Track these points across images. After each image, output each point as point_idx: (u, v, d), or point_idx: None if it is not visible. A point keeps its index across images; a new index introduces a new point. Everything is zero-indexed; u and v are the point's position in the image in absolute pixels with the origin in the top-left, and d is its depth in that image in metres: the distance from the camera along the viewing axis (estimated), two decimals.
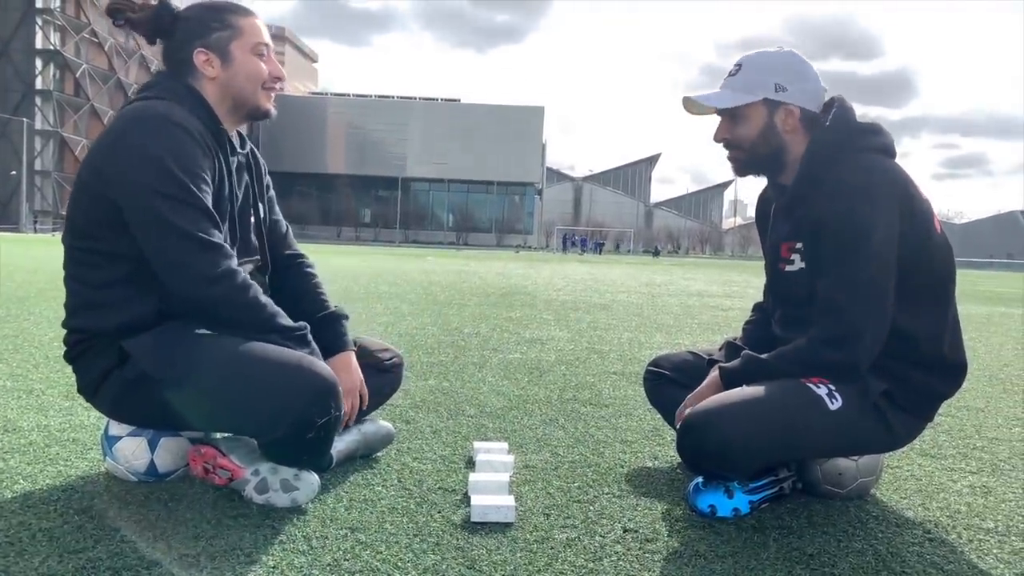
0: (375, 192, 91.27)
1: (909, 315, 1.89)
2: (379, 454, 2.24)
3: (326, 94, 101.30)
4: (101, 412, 1.98)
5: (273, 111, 2.01)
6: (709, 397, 1.92)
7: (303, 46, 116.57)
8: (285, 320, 1.90)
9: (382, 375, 2.24)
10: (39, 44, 60.10)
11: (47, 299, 6.45)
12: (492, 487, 1.87)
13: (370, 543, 1.62)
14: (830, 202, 1.85)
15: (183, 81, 1.93)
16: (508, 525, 1.74)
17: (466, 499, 1.88)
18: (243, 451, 1.86)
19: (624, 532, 1.75)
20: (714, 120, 2.05)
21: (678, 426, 1.93)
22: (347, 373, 2.02)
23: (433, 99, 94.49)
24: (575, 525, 1.77)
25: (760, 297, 2.29)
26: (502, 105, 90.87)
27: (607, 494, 2.00)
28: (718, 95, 1.99)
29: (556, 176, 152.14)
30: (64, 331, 1.93)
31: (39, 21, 59.51)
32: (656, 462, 2.33)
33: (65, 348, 1.94)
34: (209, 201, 1.83)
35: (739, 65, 2.00)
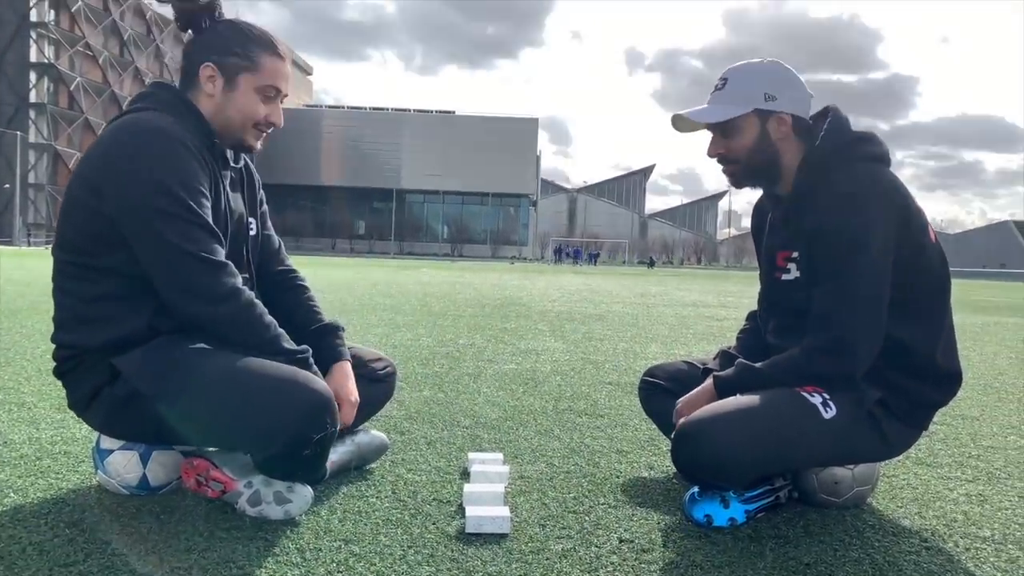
0: (370, 204, 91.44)
1: (904, 324, 1.89)
2: (373, 465, 2.23)
3: (321, 106, 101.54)
4: (92, 427, 1.96)
5: (257, 147, 1.99)
6: (703, 405, 1.91)
7: (298, 59, 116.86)
8: (288, 343, 1.89)
9: (375, 384, 2.23)
10: (33, 57, 60.19)
11: (39, 312, 6.43)
12: (487, 498, 1.86)
13: (364, 555, 1.61)
14: (825, 211, 1.86)
15: (181, 93, 1.92)
16: (503, 536, 1.73)
17: (461, 510, 1.87)
18: (236, 463, 1.85)
19: (620, 542, 1.74)
20: (706, 135, 2.04)
21: (673, 435, 1.92)
22: (343, 383, 2.01)
23: (427, 111, 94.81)
24: (571, 536, 1.76)
25: (755, 306, 2.29)
26: (496, 117, 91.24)
27: (603, 504, 2.00)
28: (708, 110, 1.97)
29: (551, 187, 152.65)
30: (53, 346, 1.92)
31: (33, 34, 59.61)
32: (652, 472, 2.32)
33: (55, 363, 1.92)
34: (209, 216, 1.82)
35: (725, 79, 1.98)
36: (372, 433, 2.23)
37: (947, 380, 1.98)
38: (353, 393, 2.01)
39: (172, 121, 1.82)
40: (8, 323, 5.66)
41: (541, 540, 1.73)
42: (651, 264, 76.43)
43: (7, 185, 57.20)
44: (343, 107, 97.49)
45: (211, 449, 1.90)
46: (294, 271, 2.24)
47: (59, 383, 1.94)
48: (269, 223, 2.22)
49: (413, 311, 8.09)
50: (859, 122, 2.24)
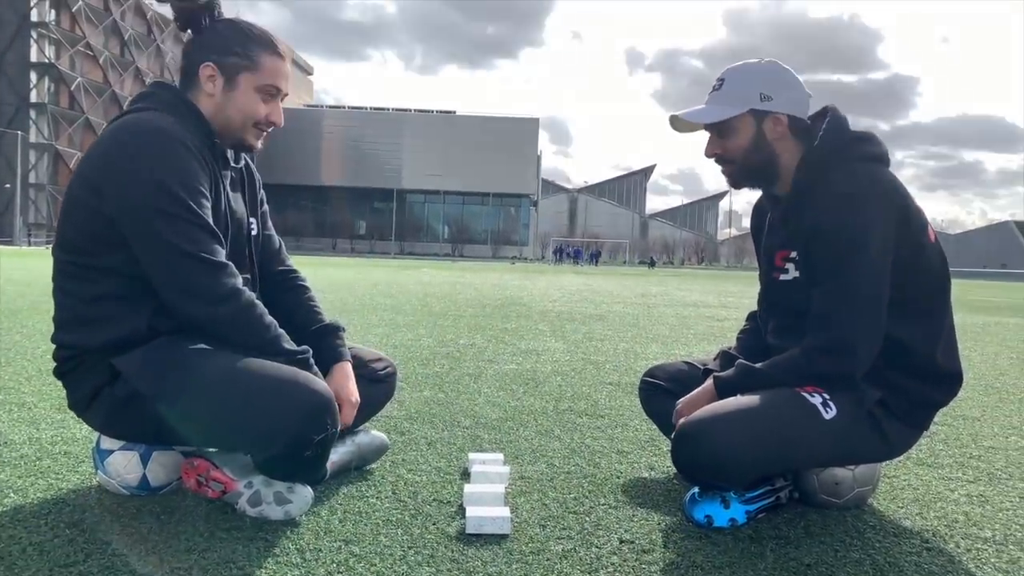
0: (370, 204, 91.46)
1: (904, 324, 1.89)
2: (373, 466, 2.23)
3: (321, 106, 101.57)
4: (92, 428, 1.96)
5: (258, 147, 1.98)
6: (703, 405, 1.91)
7: (298, 58, 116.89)
8: (289, 344, 1.89)
9: (376, 385, 2.22)
10: (34, 57, 60.23)
11: (40, 312, 6.43)
12: (487, 498, 1.85)
13: (364, 555, 1.61)
14: (824, 211, 1.86)
15: (181, 93, 1.92)
16: (504, 537, 1.73)
17: (461, 511, 1.87)
18: (236, 464, 1.85)
19: (620, 543, 1.73)
20: (704, 135, 2.04)
21: (673, 435, 1.92)
22: (343, 383, 2.01)
23: (428, 111, 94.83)
24: (571, 536, 1.76)
25: (755, 307, 2.29)
26: (497, 117, 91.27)
27: (603, 505, 1.99)
28: (705, 111, 1.98)
29: (551, 187, 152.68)
30: (54, 346, 1.92)
31: (34, 35, 59.66)
32: (652, 473, 2.32)
33: (55, 364, 1.92)
34: (209, 217, 1.82)
35: (722, 79, 1.98)
36: (372, 433, 2.23)
37: (948, 380, 1.98)
38: (354, 394, 2.01)
39: (172, 121, 1.82)
40: (8, 323, 5.66)
41: (541, 541, 1.73)
42: (652, 264, 76.47)
43: (8, 185, 57.25)
44: (344, 107, 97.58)
45: (211, 449, 1.90)
46: (294, 271, 2.23)
47: (59, 383, 1.93)
48: (270, 223, 2.21)
49: (413, 311, 8.09)
50: (859, 122, 2.24)
